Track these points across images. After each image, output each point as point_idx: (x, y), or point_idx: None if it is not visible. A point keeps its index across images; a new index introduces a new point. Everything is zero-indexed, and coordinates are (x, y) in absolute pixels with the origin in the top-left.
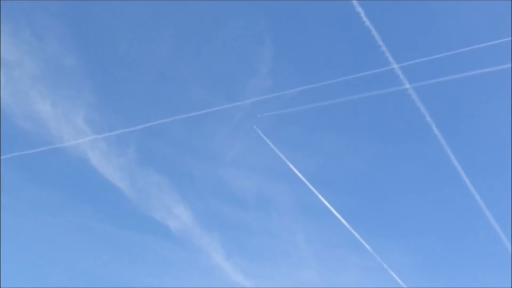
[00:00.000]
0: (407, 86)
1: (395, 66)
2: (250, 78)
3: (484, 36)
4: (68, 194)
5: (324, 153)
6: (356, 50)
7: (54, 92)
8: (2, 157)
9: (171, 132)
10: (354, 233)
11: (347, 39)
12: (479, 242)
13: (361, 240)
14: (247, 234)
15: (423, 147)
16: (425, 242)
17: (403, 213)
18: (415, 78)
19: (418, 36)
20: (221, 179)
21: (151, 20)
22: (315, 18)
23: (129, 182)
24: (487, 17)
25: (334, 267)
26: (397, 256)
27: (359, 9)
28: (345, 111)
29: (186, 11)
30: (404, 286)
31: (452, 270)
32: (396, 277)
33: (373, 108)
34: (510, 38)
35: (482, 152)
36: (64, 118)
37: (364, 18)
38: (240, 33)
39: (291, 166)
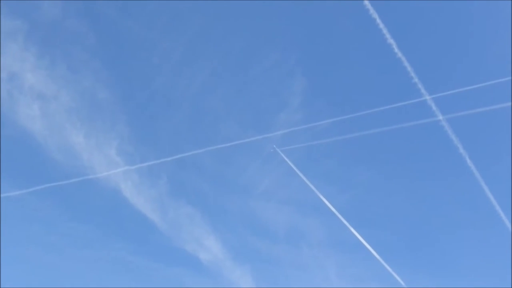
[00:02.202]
0: (440, 117)
1: (427, 97)
2: (281, 111)
3: None
4: (99, 225)
5: (356, 186)
6: (388, 82)
7: (88, 125)
8: (36, 188)
9: (202, 164)
10: (387, 267)
11: (379, 71)
12: None
13: (394, 274)
14: (278, 267)
15: (456, 179)
16: (460, 278)
17: (436, 247)
18: (448, 110)
19: (450, 67)
20: (252, 212)
21: (184, 55)
22: (346, 51)
23: (161, 214)
24: None
25: None
26: None
27: (391, 41)
28: (377, 142)
29: (218, 46)
30: None
31: None
32: None
33: (405, 139)
34: None
35: None
36: (97, 149)
37: (396, 50)
38: (272, 67)
39: (323, 199)
